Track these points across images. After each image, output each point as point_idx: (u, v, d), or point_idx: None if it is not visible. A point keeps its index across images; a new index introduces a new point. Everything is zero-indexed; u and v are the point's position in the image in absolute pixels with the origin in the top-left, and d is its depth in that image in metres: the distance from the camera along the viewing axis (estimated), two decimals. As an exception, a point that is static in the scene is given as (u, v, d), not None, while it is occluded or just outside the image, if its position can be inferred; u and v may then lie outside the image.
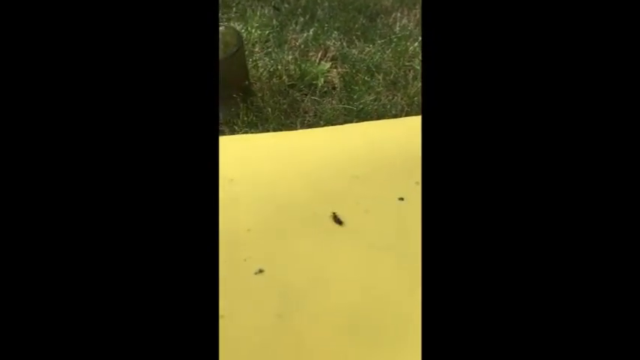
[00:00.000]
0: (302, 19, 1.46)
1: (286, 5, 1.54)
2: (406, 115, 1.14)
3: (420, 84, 1.23)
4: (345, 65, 1.30)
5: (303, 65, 1.27)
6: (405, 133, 1.02)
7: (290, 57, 1.32)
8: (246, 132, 1.10)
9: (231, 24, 1.41)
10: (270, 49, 1.36)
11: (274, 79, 1.25)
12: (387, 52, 1.34)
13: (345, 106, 1.17)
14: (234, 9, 1.54)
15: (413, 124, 1.06)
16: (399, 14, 1.51)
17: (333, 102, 1.20)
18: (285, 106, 1.18)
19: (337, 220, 0.82)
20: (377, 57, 1.32)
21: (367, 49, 1.36)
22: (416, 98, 1.18)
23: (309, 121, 1.16)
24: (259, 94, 1.21)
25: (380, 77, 1.25)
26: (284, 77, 1.25)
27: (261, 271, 0.74)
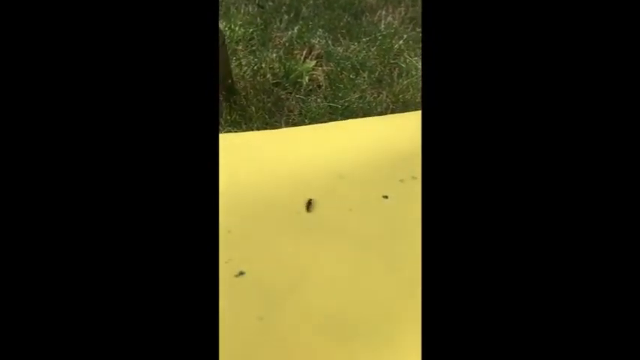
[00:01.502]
0: (286, 17, 1.45)
1: (270, 3, 1.52)
2: (391, 113, 1.13)
3: (405, 81, 1.22)
4: (330, 63, 1.29)
5: (287, 63, 1.26)
6: (390, 131, 1.01)
7: (274, 55, 1.30)
8: (229, 131, 1.08)
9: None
10: (254, 48, 1.34)
11: (258, 78, 1.23)
12: (372, 49, 1.33)
13: (331, 104, 1.16)
14: (217, 7, 1.52)
15: (398, 122, 1.04)
16: (383, 12, 1.50)
17: (318, 100, 1.18)
18: (269, 105, 1.16)
19: (309, 204, 0.82)
20: (362, 55, 1.31)
21: (352, 47, 1.35)
22: (401, 96, 1.18)
23: (293, 119, 1.14)
24: (243, 93, 1.19)
25: (365, 75, 1.24)
26: (268, 75, 1.23)
27: (242, 273, 0.73)
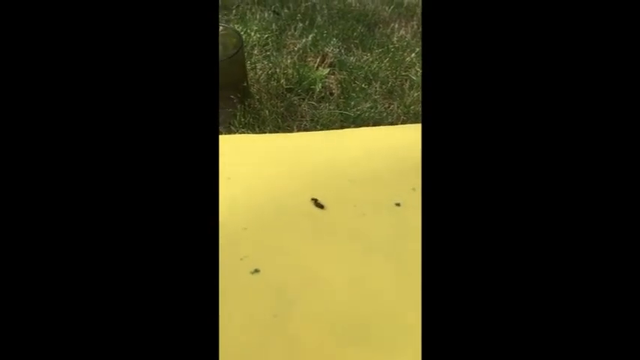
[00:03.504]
0: (301, 24, 1.47)
1: (286, 10, 1.55)
2: (402, 124, 1.15)
3: (416, 94, 1.24)
4: (343, 72, 1.31)
5: (301, 70, 1.28)
6: (402, 140, 1.03)
7: (289, 61, 1.32)
8: (242, 133, 1.10)
9: (230, 26, 1.41)
10: (268, 53, 1.36)
11: (272, 82, 1.25)
12: (385, 61, 1.35)
13: (342, 112, 1.18)
14: (234, 11, 1.54)
15: (410, 132, 1.07)
16: (396, 25, 1.53)
17: (330, 107, 1.20)
18: (282, 110, 1.18)
19: (318, 205, 0.84)
20: (374, 65, 1.33)
21: (365, 57, 1.37)
22: (412, 107, 1.20)
23: (305, 125, 1.16)
24: (257, 97, 1.21)
25: (377, 85, 1.27)
26: (282, 81, 1.25)
27: (257, 270, 0.74)
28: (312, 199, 0.86)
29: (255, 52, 1.37)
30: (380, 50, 1.39)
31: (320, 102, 1.22)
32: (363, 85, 1.26)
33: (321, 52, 1.38)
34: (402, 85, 1.29)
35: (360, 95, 1.23)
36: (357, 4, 1.62)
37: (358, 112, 1.18)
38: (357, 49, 1.41)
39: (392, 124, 1.15)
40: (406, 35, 1.48)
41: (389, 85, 1.27)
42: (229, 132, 1.10)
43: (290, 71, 1.28)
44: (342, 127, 1.14)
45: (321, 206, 0.85)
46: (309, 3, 1.59)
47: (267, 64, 1.32)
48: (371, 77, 1.29)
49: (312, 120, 1.17)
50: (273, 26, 1.45)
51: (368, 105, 1.20)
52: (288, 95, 1.23)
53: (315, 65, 1.33)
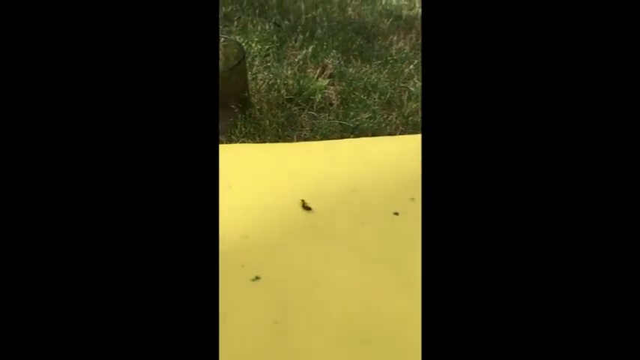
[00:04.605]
0: (301, 36, 1.49)
1: (286, 22, 1.57)
2: (401, 134, 1.16)
3: (414, 105, 1.26)
4: (343, 83, 1.33)
5: (301, 81, 1.30)
6: (401, 151, 1.04)
7: (289, 72, 1.34)
8: (244, 142, 1.11)
9: (232, 37, 1.43)
10: (269, 64, 1.38)
11: (273, 93, 1.27)
12: (384, 72, 1.37)
13: (342, 122, 1.20)
14: (235, 23, 1.57)
15: (408, 143, 1.08)
16: (395, 37, 1.55)
17: (330, 118, 1.22)
18: (282, 120, 1.20)
19: (306, 207, 0.86)
20: (373, 77, 1.35)
21: (364, 68, 1.39)
22: (410, 118, 1.21)
23: (305, 135, 1.17)
24: (257, 107, 1.22)
25: (376, 96, 1.28)
26: (282, 91, 1.27)
27: (257, 277, 0.75)
28: (301, 201, 0.87)
29: (257, 62, 1.38)
30: (379, 62, 1.41)
31: (320, 112, 1.24)
32: (362, 96, 1.28)
33: (320, 63, 1.39)
34: (401, 96, 1.30)
35: (359, 106, 1.24)
36: (357, 17, 1.65)
37: (357, 123, 1.19)
38: (357, 60, 1.42)
39: (390, 134, 1.16)
40: (405, 47, 1.50)
41: (388, 96, 1.29)
42: (230, 141, 1.12)
43: (290, 82, 1.30)
44: (341, 137, 1.15)
45: (308, 208, 0.87)
46: (310, 15, 1.62)
47: (268, 74, 1.33)
48: (370, 88, 1.31)
49: (311, 130, 1.19)
50: (274, 38, 1.47)
51: (367, 115, 1.22)
52: (289, 105, 1.24)
53: (315, 76, 1.34)
